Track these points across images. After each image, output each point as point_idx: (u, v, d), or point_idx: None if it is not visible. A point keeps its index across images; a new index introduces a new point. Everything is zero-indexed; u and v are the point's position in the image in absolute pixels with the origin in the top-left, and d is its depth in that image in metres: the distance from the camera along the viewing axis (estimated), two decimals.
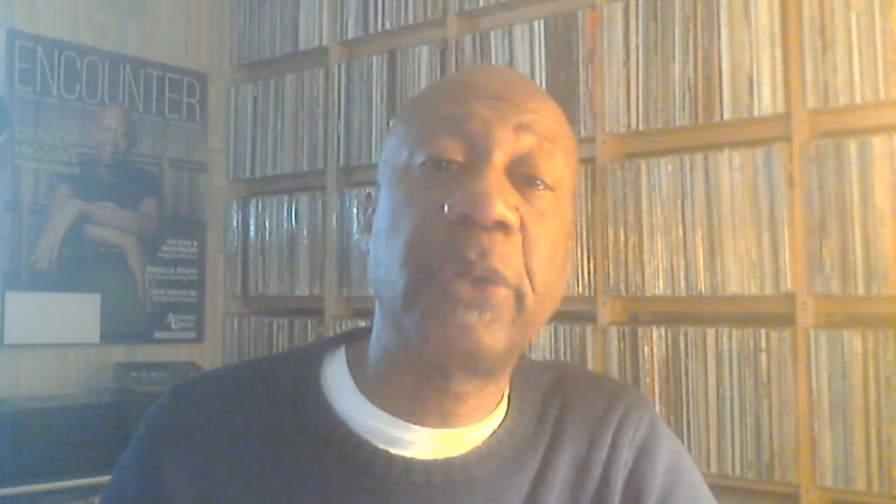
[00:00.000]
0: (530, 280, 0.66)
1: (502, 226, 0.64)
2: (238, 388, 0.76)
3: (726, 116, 2.04)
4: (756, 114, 2.00)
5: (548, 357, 2.26)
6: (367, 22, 2.76)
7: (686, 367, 2.04)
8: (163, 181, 2.98)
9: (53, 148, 2.71)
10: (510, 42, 2.41)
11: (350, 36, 2.81)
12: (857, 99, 1.87)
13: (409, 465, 0.69)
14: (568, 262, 0.74)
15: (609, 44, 2.23)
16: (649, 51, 2.17)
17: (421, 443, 0.70)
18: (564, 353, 2.23)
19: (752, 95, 2.01)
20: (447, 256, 0.64)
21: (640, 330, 2.12)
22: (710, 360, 2.01)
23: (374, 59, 2.72)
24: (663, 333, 2.08)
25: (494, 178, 0.66)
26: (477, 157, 0.67)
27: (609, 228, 2.19)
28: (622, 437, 0.75)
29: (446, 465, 0.70)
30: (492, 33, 2.45)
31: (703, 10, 2.08)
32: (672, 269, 2.09)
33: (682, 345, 2.05)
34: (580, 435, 0.75)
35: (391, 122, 0.76)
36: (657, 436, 0.77)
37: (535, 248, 0.67)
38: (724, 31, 2.05)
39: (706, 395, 2.01)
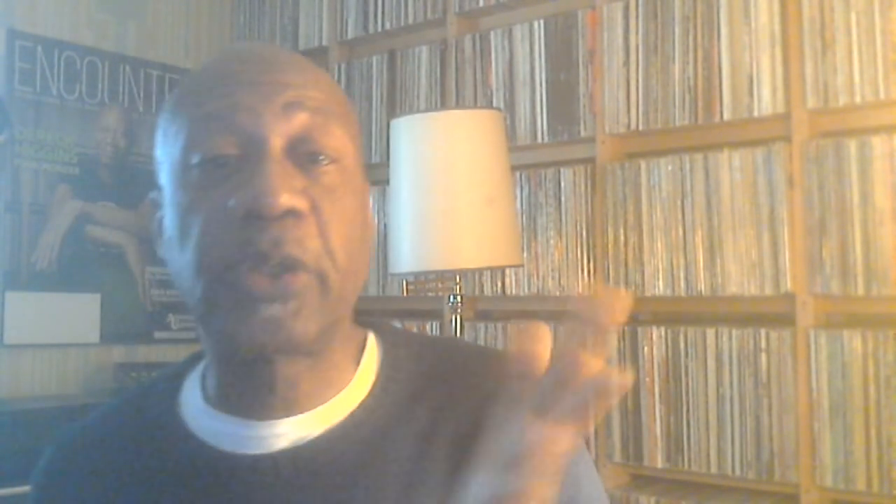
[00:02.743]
0: (332, 260, 0.65)
1: (292, 213, 0.63)
2: (110, 426, 0.79)
3: (726, 116, 2.04)
4: (756, 114, 2.00)
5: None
6: (367, 22, 2.77)
7: (686, 367, 2.04)
8: None
9: (53, 148, 2.71)
10: (510, 42, 2.41)
11: (350, 36, 2.81)
12: (857, 99, 1.87)
13: (254, 462, 0.68)
14: (369, 233, 0.72)
15: (609, 44, 2.23)
16: (649, 51, 2.17)
17: (271, 437, 0.69)
18: None
19: (752, 95, 2.01)
20: (240, 253, 0.63)
21: (640, 330, 2.11)
22: (710, 360, 2.01)
23: (374, 59, 2.72)
24: (663, 333, 2.08)
25: (275, 167, 0.64)
26: (252, 148, 0.65)
27: (609, 228, 2.19)
28: None
29: (294, 455, 0.68)
30: (492, 33, 2.45)
31: (703, 10, 2.08)
32: (672, 269, 2.09)
33: (682, 345, 2.05)
34: (468, 412, 0.71)
35: (159, 120, 0.72)
36: None
37: (331, 226, 0.65)
38: (724, 31, 2.05)
39: (706, 395, 2.01)
